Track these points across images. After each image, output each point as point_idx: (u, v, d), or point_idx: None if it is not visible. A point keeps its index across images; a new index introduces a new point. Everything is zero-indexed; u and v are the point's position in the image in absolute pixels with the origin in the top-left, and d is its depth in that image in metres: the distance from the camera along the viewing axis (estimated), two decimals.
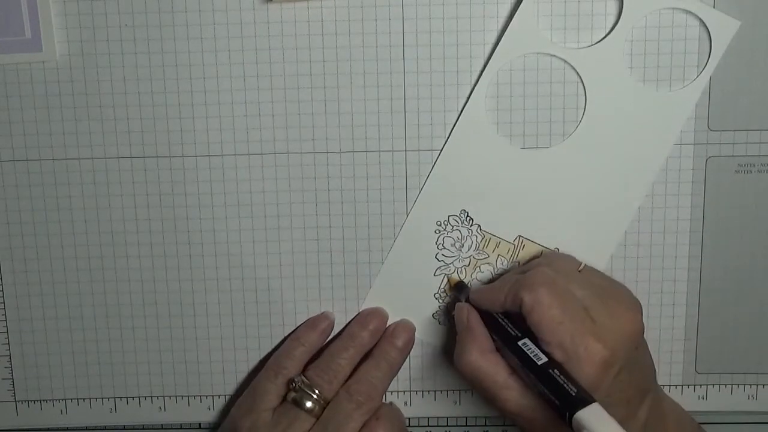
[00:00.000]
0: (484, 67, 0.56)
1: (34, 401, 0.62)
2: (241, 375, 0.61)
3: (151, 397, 0.62)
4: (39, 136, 0.58)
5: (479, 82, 0.56)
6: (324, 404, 0.57)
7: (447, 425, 0.63)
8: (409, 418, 0.62)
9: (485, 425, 0.63)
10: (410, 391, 0.62)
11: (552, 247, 0.58)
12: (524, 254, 0.59)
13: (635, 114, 0.56)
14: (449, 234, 0.59)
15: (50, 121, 0.58)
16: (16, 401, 0.62)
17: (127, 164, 0.58)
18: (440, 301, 0.60)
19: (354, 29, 0.56)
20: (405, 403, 0.62)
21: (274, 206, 0.59)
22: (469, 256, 0.59)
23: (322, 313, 0.60)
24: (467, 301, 0.57)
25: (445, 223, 0.58)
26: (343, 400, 0.56)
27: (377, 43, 0.56)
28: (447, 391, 0.62)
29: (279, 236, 0.59)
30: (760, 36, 0.56)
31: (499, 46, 0.56)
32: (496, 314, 0.54)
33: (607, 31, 0.55)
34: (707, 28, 0.55)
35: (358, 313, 0.60)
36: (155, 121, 0.58)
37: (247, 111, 0.57)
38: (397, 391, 0.61)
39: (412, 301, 0.60)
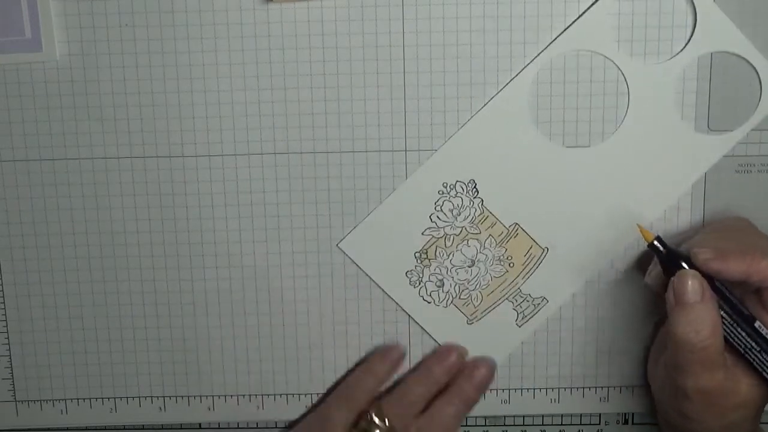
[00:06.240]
0: (535, 57, 0.56)
1: (34, 401, 0.62)
2: (241, 375, 0.61)
3: (151, 397, 0.62)
4: (39, 136, 0.58)
5: (529, 66, 0.56)
6: None
7: None
8: None
9: (485, 425, 0.63)
10: None
11: (543, 246, 0.58)
12: (513, 243, 0.58)
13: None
14: (451, 199, 0.58)
15: (50, 121, 0.58)
16: (16, 401, 0.62)
17: (127, 164, 0.58)
18: (418, 261, 0.59)
19: (354, 29, 0.56)
20: None
21: (274, 206, 0.59)
22: (462, 227, 0.58)
23: (394, 344, 0.59)
24: (667, 263, 0.52)
25: (451, 186, 0.58)
26: None
27: (377, 43, 0.56)
28: None
29: (279, 236, 0.59)
30: (759, 36, 0.56)
31: (556, 40, 0.56)
32: (724, 288, 0.51)
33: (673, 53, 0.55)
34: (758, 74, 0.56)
35: (437, 347, 0.60)
36: (155, 121, 0.57)
37: (247, 111, 0.57)
38: None
39: (392, 252, 0.59)
